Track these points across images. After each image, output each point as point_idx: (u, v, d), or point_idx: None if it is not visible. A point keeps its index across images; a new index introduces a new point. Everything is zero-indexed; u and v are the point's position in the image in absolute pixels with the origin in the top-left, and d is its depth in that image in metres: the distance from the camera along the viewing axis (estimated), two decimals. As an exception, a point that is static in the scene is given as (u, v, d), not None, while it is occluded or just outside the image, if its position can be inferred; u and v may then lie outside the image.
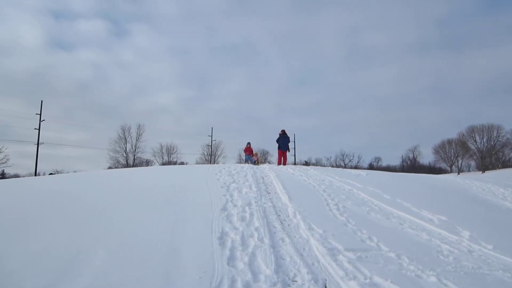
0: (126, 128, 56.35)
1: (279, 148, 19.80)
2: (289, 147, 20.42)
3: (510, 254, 6.24)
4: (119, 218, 6.95)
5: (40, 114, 44.50)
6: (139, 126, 57.41)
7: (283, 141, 19.76)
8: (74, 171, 25.83)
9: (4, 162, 42.13)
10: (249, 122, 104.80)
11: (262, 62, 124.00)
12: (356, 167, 63.32)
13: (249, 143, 22.81)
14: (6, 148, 42.49)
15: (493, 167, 61.31)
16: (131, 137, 56.49)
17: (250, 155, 22.47)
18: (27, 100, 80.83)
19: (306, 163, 63.06)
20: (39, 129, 44.27)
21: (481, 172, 56.88)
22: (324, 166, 38.77)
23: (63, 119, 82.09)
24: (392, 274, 4.85)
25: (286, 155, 20.01)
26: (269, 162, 30.76)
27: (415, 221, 7.95)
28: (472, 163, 69.02)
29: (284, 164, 19.43)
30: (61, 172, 39.24)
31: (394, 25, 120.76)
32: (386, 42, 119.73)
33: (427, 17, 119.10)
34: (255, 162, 21.30)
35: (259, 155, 25.12)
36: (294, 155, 63.35)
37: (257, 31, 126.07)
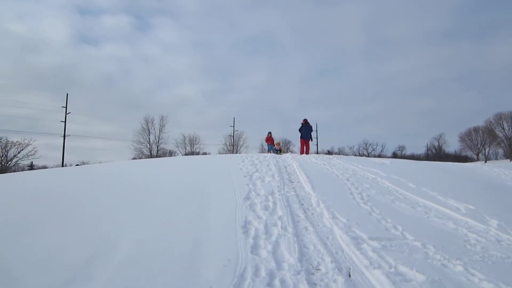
0: (150, 120, 56.98)
1: (301, 137, 19.71)
2: (312, 136, 20.22)
3: (540, 244, 6.09)
4: (143, 209, 7.05)
5: (66, 107, 45.39)
6: (162, 117, 57.97)
7: (306, 130, 19.65)
8: (100, 162, 26.29)
9: (32, 154, 43.14)
10: (271, 113, 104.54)
11: (283, 53, 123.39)
12: (379, 156, 62.55)
13: (270, 133, 22.68)
14: (34, 141, 43.47)
15: (522, 155, 59.77)
16: (154, 129, 57.13)
17: (272, 145, 22.40)
18: (54, 94, 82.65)
19: (329, 152, 62.68)
20: (65, 122, 45.18)
21: (509, 160, 55.46)
22: (347, 155, 38.38)
23: (89, 112, 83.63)
24: (417, 263, 4.79)
25: (308, 144, 19.89)
26: (291, 152, 30.42)
27: (441, 210, 7.83)
28: (500, 151, 67.34)
29: (307, 153, 19.34)
30: (87, 163, 39.98)
31: (415, 14, 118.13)
32: (407, 31, 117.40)
33: (448, 6, 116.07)
34: (278, 151, 20.98)
35: (281, 144, 24.70)
36: (317, 145, 62.99)
37: (277, 24, 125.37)
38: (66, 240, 5.43)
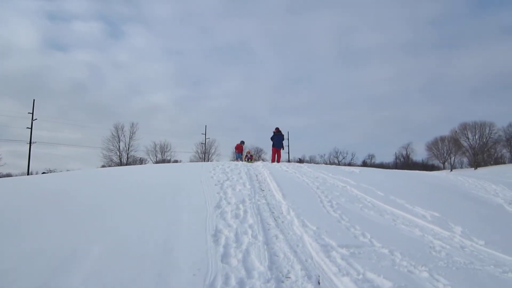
0: (119, 127, 56.16)
1: (273, 145, 19.73)
2: (284, 145, 20.31)
3: (501, 250, 6.31)
4: (113, 217, 6.94)
5: (32, 113, 44.18)
6: (132, 124, 57.23)
7: (278, 138, 19.69)
8: (67, 170, 25.69)
9: (-4, 161, 41.84)
10: (244, 121, 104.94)
11: (257, 62, 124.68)
12: (349, 165, 63.46)
13: (242, 142, 22.65)
14: (-3, 148, 42.21)
15: (485, 163, 61.64)
16: (124, 136, 56.32)
17: (241, 153, 22.36)
18: (22, 100, 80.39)
19: (300, 161, 63.16)
20: (31, 128, 43.95)
21: (473, 168, 57.15)
22: (318, 163, 38.81)
23: (58, 118, 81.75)
24: (385, 270, 4.89)
25: (280, 152, 19.94)
26: (262, 160, 30.54)
27: (408, 218, 8.01)
28: (465, 160, 69.47)
29: (278, 161, 19.40)
30: (54, 171, 38.95)
31: (387, 25, 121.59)
32: (379, 42, 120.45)
33: (419, 18, 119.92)
34: (249, 160, 20.80)
35: (252, 152, 24.74)
36: (288, 153, 63.38)
37: (251, 32, 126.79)
38: (39, 245, 5.29)
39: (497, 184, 14.40)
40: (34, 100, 44.73)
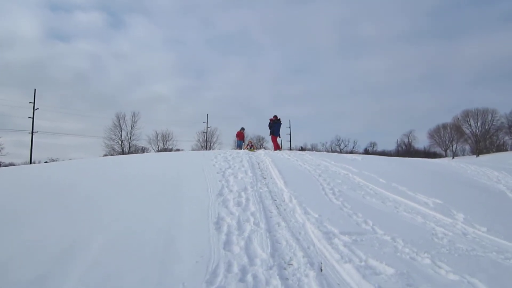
0: (121, 116, 56.07)
1: (273, 134, 19.47)
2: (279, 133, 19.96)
3: (503, 236, 6.31)
4: (114, 206, 6.94)
5: (34, 103, 44.10)
6: (133, 113, 57.11)
7: (277, 126, 19.41)
8: (69, 160, 25.73)
9: (-2, 151, 41.89)
10: (245, 110, 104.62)
11: (258, 52, 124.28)
12: (351, 152, 63.31)
13: (242, 128, 22.28)
14: (0, 137, 42.21)
15: (487, 151, 61.59)
16: (126, 125, 56.27)
17: (242, 141, 22.13)
18: (24, 90, 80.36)
19: (302, 149, 63.14)
20: (33, 118, 43.90)
21: (475, 156, 57.11)
22: (319, 151, 38.75)
23: (61, 108, 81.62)
24: (387, 257, 4.89)
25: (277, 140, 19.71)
26: (264, 148, 30.31)
27: (410, 205, 8.00)
28: (467, 147, 69.31)
29: (277, 149, 19.21)
30: (56, 161, 39.05)
31: (387, 15, 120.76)
32: (379, 32, 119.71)
33: (419, 7, 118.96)
34: (250, 148, 19.86)
35: (254, 141, 24.59)
36: (290, 141, 63.40)
37: (252, 22, 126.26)
38: (40, 235, 5.31)
39: (499, 171, 14.38)
40: (35, 89, 44.66)
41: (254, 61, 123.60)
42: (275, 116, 19.37)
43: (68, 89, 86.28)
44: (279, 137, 19.85)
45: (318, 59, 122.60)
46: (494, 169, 14.76)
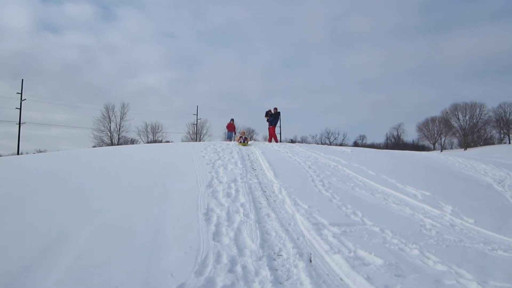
0: (110, 107, 55.41)
1: (273, 124, 19.14)
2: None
3: (491, 228, 6.39)
4: (103, 196, 6.88)
5: (21, 93, 43.36)
6: (123, 105, 56.37)
7: (276, 118, 19.13)
8: (58, 151, 25.45)
9: (-15, 142, 41.37)
10: (236, 102, 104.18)
11: (249, 45, 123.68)
12: (341, 145, 63.56)
13: (232, 120, 22.03)
14: (-14, 128, 41.61)
15: (475, 144, 62.20)
16: (115, 116, 55.65)
17: (233, 132, 21.88)
18: (12, 81, 78.92)
19: (292, 141, 63.24)
20: (20, 109, 43.22)
21: (463, 149, 57.69)
22: (309, 144, 38.82)
23: (50, 99, 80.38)
24: (376, 248, 4.92)
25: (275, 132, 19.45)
26: (254, 140, 30.04)
27: (399, 197, 8.06)
28: (455, 140, 69.78)
29: (275, 141, 18.99)
30: (45, 152, 38.64)
31: (377, 10, 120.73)
32: (369, 26, 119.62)
33: (409, 2, 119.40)
34: (244, 142, 16.11)
35: (246, 134, 20.77)
36: (280, 134, 63.30)
37: (243, 16, 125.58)
38: (27, 226, 5.23)
39: (486, 164, 14.54)
40: (22, 80, 43.84)
41: (245, 54, 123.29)
42: (275, 108, 19.12)
43: (58, 81, 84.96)
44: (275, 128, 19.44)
45: (309, 53, 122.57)
46: (481, 162, 14.92)
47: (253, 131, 63.91)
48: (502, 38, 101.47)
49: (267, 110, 19.15)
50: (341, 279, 4.15)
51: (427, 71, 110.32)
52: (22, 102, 43.51)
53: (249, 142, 16.47)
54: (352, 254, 4.70)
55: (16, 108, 43.14)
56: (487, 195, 9.41)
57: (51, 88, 79.65)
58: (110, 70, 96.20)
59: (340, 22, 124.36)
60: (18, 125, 42.74)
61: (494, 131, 65.76)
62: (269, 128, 19.12)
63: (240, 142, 15.85)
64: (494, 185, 10.64)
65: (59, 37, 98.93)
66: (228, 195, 7.14)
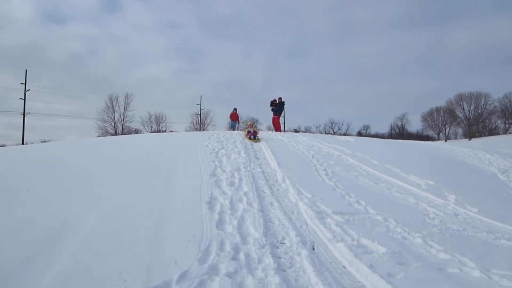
0: (114, 97, 55.43)
1: (278, 114, 19.08)
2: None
3: (494, 217, 6.37)
4: (106, 185, 6.90)
5: (25, 84, 43.34)
6: (126, 95, 56.37)
7: (280, 108, 19.06)
8: (62, 141, 25.52)
9: (-10, 133, 41.50)
10: (239, 92, 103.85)
11: (252, 36, 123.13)
12: (345, 135, 63.52)
13: (235, 109, 21.87)
14: (-9, 118, 41.71)
15: (479, 134, 61.84)
16: (119, 106, 55.68)
17: (236, 121, 21.75)
18: (17, 72, 79.13)
19: (296, 131, 63.14)
20: (24, 99, 43.25)
21: (467, 139, 57.44)
22: (313, 133, 38.76)
23: (54, 90, 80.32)
24: (379, 236, 4.92)
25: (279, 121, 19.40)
26: (258, 130, 29.67)
27: (402, 186, 8.04)
28: (459, 130, 69.42)
29: (278, 130, 18.93)
30: (49, 142, 38.74)
31: (380, 1, 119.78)
32: (372, 16, 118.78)
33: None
34: (253, 138, 13.06)
35: (256, 127, 16.78)
36: (284, 123, 63.21)
37: (246, 5, 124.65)
38: (30, 215, 5.26)
39: (491, 153, 14.48)
40: (26, 70, 43.87)
41: (249, 45, 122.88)
42: (280, 98, 19.05)
43: (62, 72, 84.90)
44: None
45: (312, 43, 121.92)
46: (486, 152, 14.86)
47: (257, 121, 63.82)
48: (507, 27, 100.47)
49: (271, 99, 19.10)
50: (344, 267, 4.16)
51: (432, 61, 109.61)
52: (26, 92, 43.56)
53: (259, 135, 13.72)
54: (355, 242, 4.70)
55: (20, 98, 43.20)
56: (491, 185, 9.38)
57: (55, 79, 79.69)
58: (114, 60, 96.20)
59: (344, 12, 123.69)
60: (22, 116, 42.85)
61: (499, 121, 65.32)
62: (273, 118, 19.09)
63: (250, 138, 12.85)
64: (498, 175, 10.60)
65: (64, 28, 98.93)
66: (232, 184, 7.15)
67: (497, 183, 9.63)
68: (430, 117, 69.07)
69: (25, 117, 43.06)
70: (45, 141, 45.27)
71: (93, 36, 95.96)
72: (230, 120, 22.20)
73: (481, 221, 6.22)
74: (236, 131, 18.33)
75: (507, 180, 10.03)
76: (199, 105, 60.61)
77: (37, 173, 7.62)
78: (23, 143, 41.11)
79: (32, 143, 42.45)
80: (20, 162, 8.85)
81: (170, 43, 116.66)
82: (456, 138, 67.72)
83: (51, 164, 8.52)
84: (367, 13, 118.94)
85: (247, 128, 14.08)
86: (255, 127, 14.04)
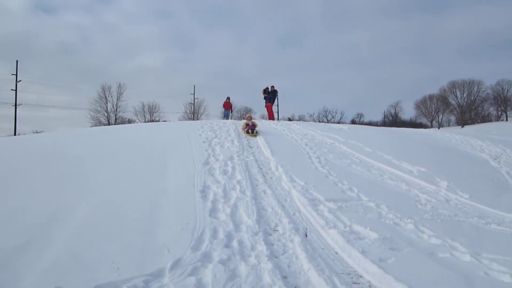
0: (107, 87, 54.92)
1: (271, 102, 18.99)
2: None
3: (485, 203, 6.44)
4: (99, 174, 6.87)
5: (16, 75, 42.87)
6: (119, 85, 55.76)
7: (273, 97, 19.01)
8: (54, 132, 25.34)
9: (-20, 125, 41.08)
10: (233, 81, 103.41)
11: (246, 24, 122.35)
12: (338, 123, 63.63)
13: (228, 98, 21.78)
14: (-18, 111, 41.27)
15: (472, 122, 62.14)
16: (111, 97, 55.23)
17: (229, 111, 21.69)
18: (8, 63, 78.06)
19: (290, 120, 63.13)
20: (15, 90, 42.80)
21: (460, 127, 57.75)
22: (307, 122, 38.80)
23: (46, 81, 79.54)
24: (371, 222, 4.96)
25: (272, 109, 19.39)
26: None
27: (395, 173, 8.09)
28: (452, 118, 69.68)
29: (271, 118, 18.91)
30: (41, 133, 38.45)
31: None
32: (365, 3, 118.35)
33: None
34: (251, 132, 11.81)
35: (254, 120, 14.31)
36: (278, 112, 63.16)
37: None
38: (23, 204, 5.23)
39: (483, 140, 14.57)
40: (17, 61, 43.38)
41: (242, 33, 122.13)
42: (272, 86, 18.95)
43: (54, 62, 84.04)
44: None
45: (305, 32, 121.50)
46: (478, 139, 14.95)
47: (250, 109, 63.67)
48: (500, 14, 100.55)
49: (264, 87, 19.03)
50: (336, 253, 4.21)
51: (425, 49, 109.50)
52: (18, 83, 43.14)
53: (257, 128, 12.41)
54: (347, 228, 4.75)
55: (12, 89, 42.77)
56: (483, 171, 9.45)
57: (47, 69, 78.88)
58: (106, 50, 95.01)
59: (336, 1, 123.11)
60: (14, 107, 42.50)
61: (491, 109, 65.72)
62: (266, 106, 19.05)
63: (248, 132, 11.70)
64: (490, 161, 10.67)
65: (55, 18, 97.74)
66: (225, 172, 7.16)
67: (488, 169, 9.70)
68: (423, 104, 69.26)
69: (17, 108, 42.72)
70: (37, 132, 45.03)
71: (85, 26, 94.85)
72: (223, 109, 22.08)
73: (472, 206, 6.29)
74: (229, 120, 18.24)
75: (498, 166, 10.11)
76: (193, 95, 60.31)
77: (30, 162, 7.57)
78: (15, 135, 40.85)
79: (24, 134, 42.22)
80: (13, 152, 8.78)
81: (162, 32, 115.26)
82: (449, 126, 68.00)
83: (44, 154, 8.45)
84: (360, 1, 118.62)
85: (245, 121, 12.64)
86: (256, 123, 12.36)
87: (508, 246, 4.41)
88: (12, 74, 42.90)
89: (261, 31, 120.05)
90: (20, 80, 43.39)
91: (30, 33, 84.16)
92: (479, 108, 65.05)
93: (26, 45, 79.66)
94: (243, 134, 11.72)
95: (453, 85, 63.80)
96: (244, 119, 12.23)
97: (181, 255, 3.82)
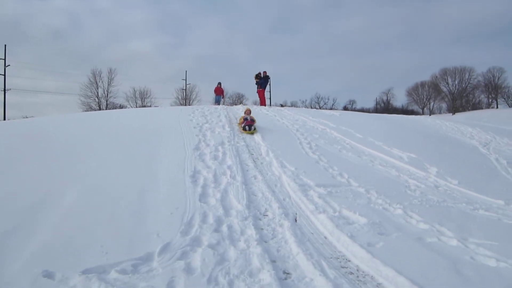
0: (97, 73, 54.34)
1: (263, 87, 18.89)
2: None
3: (474, 189, 6.49)
4: (89, 159, 6.81)
5: (5, 59, 42.20)
6: (110, 70, 55.26)
7: (265, 82, 18.87)
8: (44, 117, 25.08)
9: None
10: (225, 67, 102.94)
11: (238, 9, 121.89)
12: (331, 109, 63.66)
13: (219, 83, 21.64)
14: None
15: (463, 109, 62.59)
16: (102, 82, 54.72)
17: (221, 96, 21.53)
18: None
19: (282, 106, 63.04)
20: (4, 75, 42.21)
21: (451, 114, 58.09)
22: (299, 108, 38.75)
23: (36, 65, 78.60)
24: (360, 208, 4.99)
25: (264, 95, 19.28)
26: (243, 104, 29.52)
27: (385, 159, 8.13)
28: (444, 105, 70.17)
29: (263, 104, 18.85)
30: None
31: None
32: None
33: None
34: (248, 128, 10.14)
35: (252, 115, 10.43)
36: (270, 98, 63.02)
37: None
38: (11, 189, 5.18)
39: (473, 127, 14.67)
40: (5, 45, 42.70)
41: (234, 19, 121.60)
42: (264, 72, 18.81)
43: (44, 47, 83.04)
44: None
45: (298, 18, 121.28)
46: (468, 126, 15.05)
47: (243, 96, 63.51)
48: (493, 1, 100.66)
49: (256, 73, 18.92)
50: (325, 238, 4.23)
51: (417, 36, 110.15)
52: (7, 68, 42.55)
53: (237, 106, 12.27)
54: (336, 213, 4.77)
55: (0, 74, 42.21)
56: (472, 158, 9.52)
57: (37, 54, 78.01)
58: (97, 35, 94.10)
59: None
60: (3, 92, 41.99)
61: (482, 96, 66.18)
62: (258, 91, 18.94)
63: (244, 129, 10.07)
64: (479, 148, 10.76)
65: (45, 2, 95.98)
66: (215, 157, 7.15)
67: (478, 156, 9.78)
68: (415, 91, 69.60)
69: (6, 94, 42.24)
70: (27, 117, 44.54)
71: (75, 10, 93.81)
72: (214, 95, 21.98)
73: (461, 192, 6.34)
74: (220, 105, 18.15)
75: (488, 153, 10.19)
76: (184, 80, 59.93)
77: (18, 147, 7.49)
78: (4, 120, 40.41)
79: (14, 120, 41.76)
80: (1, 137, 8.68)
81: (154, 17, 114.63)
82: (440, 113, 68.37)
83: (33, 138, 8.38)
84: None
85: (244, 116, 10.83)
86: (254, 118, 10.75)
87: (494, 231, 4.46)
88: (1, 59, 42.26)
89: (253, 17, 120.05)
90: (9, 65, 42.80)
91: (19, 17, 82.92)
92: (470, 96, 65.47)
93: (15, 29, 78.50)
94: (237, 128, 10.47)
95: (444, 72, 64.18)
96: (235, 104, 11.22)
97: (170, 240, 3.81)
